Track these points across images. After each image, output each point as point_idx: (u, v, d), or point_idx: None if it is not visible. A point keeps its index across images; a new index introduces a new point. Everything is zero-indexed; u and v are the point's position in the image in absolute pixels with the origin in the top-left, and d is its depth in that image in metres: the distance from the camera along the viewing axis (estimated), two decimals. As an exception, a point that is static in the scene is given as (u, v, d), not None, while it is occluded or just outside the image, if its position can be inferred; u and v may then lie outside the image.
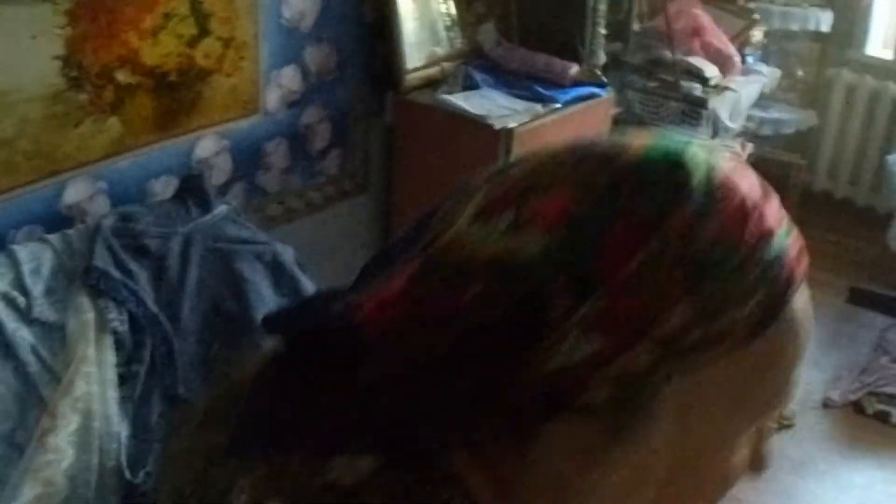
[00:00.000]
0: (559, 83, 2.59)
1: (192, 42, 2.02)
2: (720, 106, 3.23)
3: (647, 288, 0.52)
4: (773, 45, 4.14)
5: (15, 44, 1.73)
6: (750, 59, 3.82)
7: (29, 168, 1.84)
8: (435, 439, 0.59)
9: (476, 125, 2.34)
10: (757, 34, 3.82)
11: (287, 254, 1.97)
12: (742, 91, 3.40)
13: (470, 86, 2.50)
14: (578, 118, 2.56)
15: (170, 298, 1.85)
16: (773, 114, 4.16)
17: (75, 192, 1.94)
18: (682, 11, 3.45)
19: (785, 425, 2.69)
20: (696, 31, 3.42)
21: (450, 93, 2.43)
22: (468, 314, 0.54)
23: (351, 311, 0.57)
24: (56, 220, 1.91)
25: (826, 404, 2.99)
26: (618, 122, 2.87)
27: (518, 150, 2.33)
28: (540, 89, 2.52)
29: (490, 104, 2.41)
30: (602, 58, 2.77)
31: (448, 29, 2.63)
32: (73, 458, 1.67)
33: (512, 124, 2.35)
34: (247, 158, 2.28)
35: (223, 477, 0.60)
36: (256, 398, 0.62)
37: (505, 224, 0.55)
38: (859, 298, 3.60)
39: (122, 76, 1.92)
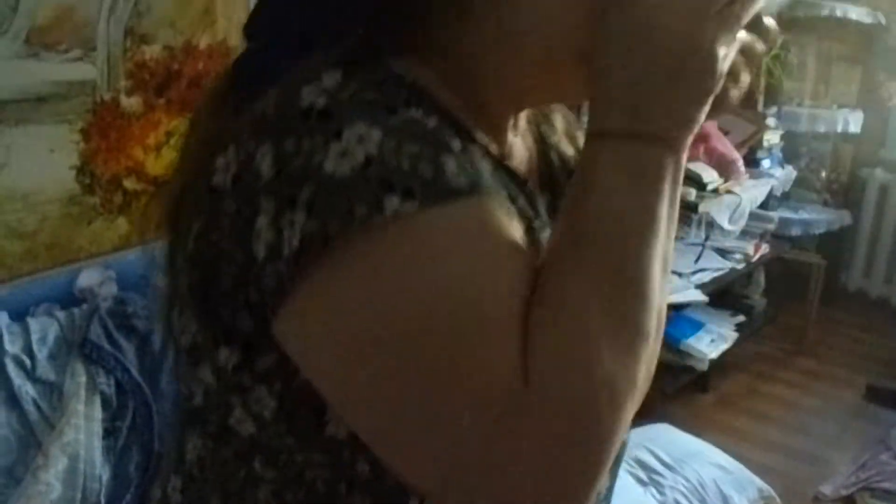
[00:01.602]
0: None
1: None
2: (717, 210, 3.50)
3: None
4: (793, 146, 4.30)
5: (37, 155, 2.15)
6: (765, 163, 4.06)
7: (48, 257, 2.24)
8: (385, 41, 0.71)
9: None
10: (773, 138, 4.04)
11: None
12: (745, 195, 3.65)
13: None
14: None
15: (152, 369, 2.25)
16: (803, 214, 4.32)
17: (87, 278, 2.32)
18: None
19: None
20: (702, 138, 3.73)
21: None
22: None
23: None
24: (70, 300, 2.29)
25: (817, 498, 3.03)
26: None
27: None
28: None
29: None
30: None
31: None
32: (60, 492, 2.08)
33: None
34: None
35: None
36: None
37: None
38: (875, 395, 3.69)
39: (129, 183, 2.34)
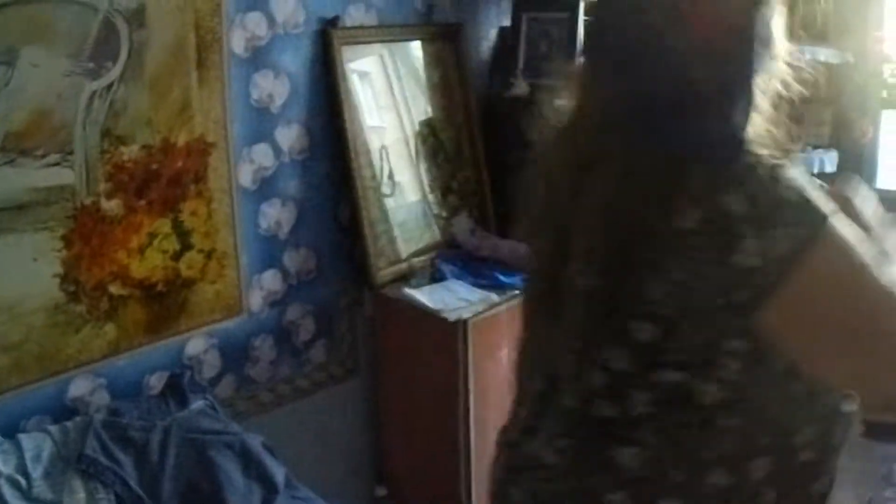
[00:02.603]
0: (524, 268, 2.92)
1: (176, 256, 2.43)
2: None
3: None
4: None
5: (20, 265, 2.13)
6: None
7: (36, 368, 2.21)
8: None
9: (434, 317, 2.65)
10: None
11: (255, 442, 2.32)
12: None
13: (438, 278, 2.85)
14: None
15: (151, 481, 2.20)
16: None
17: (78, 387, 2.31)
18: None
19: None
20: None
21: (418, 286, 2.79)
22: None
23: None
24: (62, 411, 2.27)
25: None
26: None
27: (475, 338, 2.63)
28: (500, 276, 2.83)
29: (449, 296, 2.72)
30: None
31: (426, 223, 3.05)
32: None
33: (466, 315, 2.64)
34: (234, 353, 2.65)
35: None
36: None
37: None
38: (875, 432, 3.64)
39: (114, 288, 2.32)
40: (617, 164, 1.14)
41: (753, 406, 1.12)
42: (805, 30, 4.60)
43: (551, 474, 1.23)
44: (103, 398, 2.37)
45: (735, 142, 1.11)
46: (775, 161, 1.08)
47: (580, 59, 1.32)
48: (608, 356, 1.14)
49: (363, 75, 2.89)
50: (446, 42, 3.13)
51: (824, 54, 4.57)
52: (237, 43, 2.49)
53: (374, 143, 2.88)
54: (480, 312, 2.68)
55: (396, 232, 2.93)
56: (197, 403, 2.35)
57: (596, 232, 1.15)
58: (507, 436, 1.36)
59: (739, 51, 1.12)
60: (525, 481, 1.27)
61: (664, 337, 1.10)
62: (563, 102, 1.31)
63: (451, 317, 2.64)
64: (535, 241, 1.38)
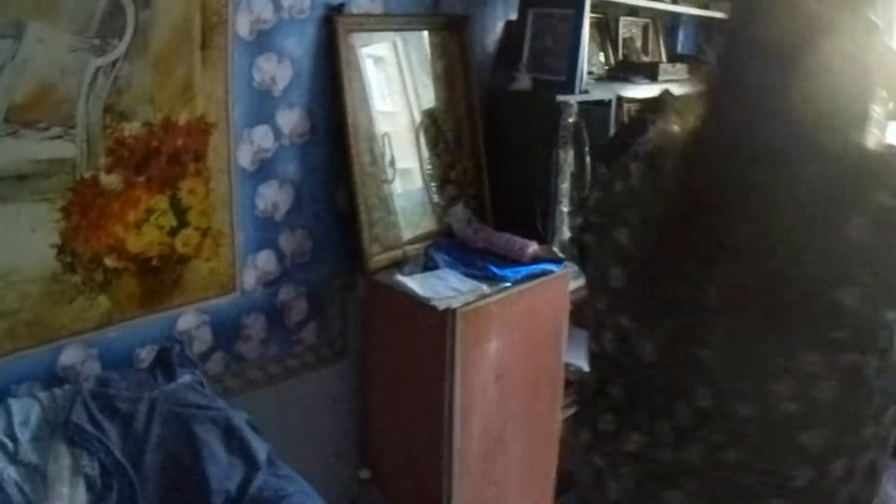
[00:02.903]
0: (518, 261, 2.97)
1: (173, 232, 2.48)
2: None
3: None
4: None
5: (17, 234, 2.18)
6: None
7: (29, 335, 2.26)
8: None
9: (424, 305, 2.69)
10: None
11: (239, 418, 2.37)
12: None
13: (431, 266, 2.90)
14: (531, 295, 2.89)
15: (135, 451, 2.25)
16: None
17: (70, 356, 2.36)
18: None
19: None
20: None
21: (411, 273, 2.83)
22: None
23: None
24: (53, 378, 2.32)
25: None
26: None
27: (463, 328, 2.68)
28: (493, 268, 2.88)
29: (440, 285, 2.76)
30: (566, 233, 3.16)
31: (424, 211, 3.11)
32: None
33: (455, 305, 2.68)
34: (226, 330, 2.70)
35: None
36: None
37: None
38: None
39: (110, 261, 2.37)
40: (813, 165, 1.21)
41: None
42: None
43: None
44: (94, 368, 2.42)
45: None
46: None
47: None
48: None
49: (377, 60, 2.94)
50: (452, 33, 3.17)
51: None
52: (242, 26, 2.54)
53: (379, 128, 2.93)
54: (470, 303, 2.72)
55: (394, 218, 2.98)
56: (184, 378, 2.41)
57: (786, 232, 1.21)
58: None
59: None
60: None
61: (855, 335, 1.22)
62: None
63: (440, 305, 2.67)
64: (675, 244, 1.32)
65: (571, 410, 3.44)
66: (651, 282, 1.33)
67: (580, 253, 1.57)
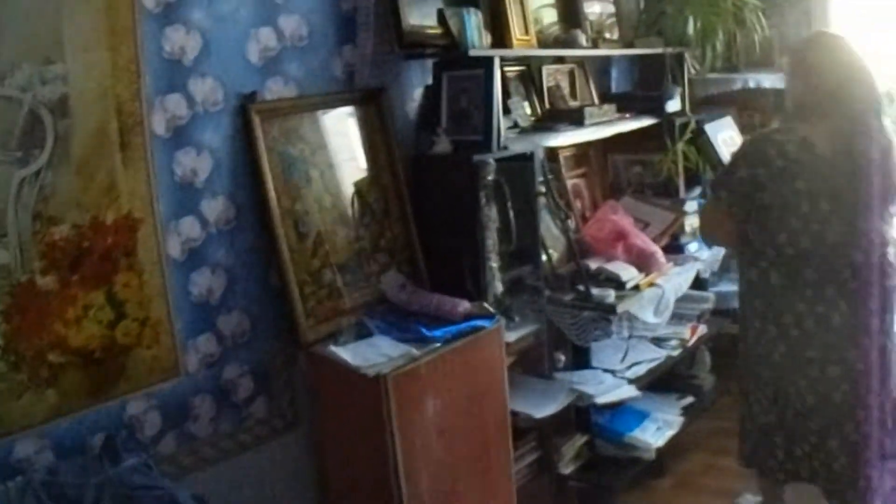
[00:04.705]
0: (451, 320, 3.16)
1: (112, 325, 2.68)
2: (638, 306, 3.78)
3: None
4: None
5: None
6: (691, 247, 4.39)
7: None
8: None
9: (357, 374, 2.88)
10: (694, 221, 4.36)
11: (184, 496, 2.56)
12: (667, 285, 3.94)
13: (365, 334, 3.09)
14: (464, 351, 3.09)
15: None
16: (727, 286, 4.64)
17: (23, 448, 2.54)
18: (604, 220, 4.10)
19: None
20: (619, 236, 4.04)
21: (344, 343, 3.03)
22: None
23: None
24: (8, 471, 2.50)
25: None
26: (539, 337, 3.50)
27: (396, 392, 2.85)
28: (424, 330, 3.06)
29: (372, 352, 2.95)
30: (498, 288, 3.39)
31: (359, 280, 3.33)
32: None
33: (385, 370, 2.84)
34: (174, 412, 2.89)
35: None
36: None
37: None
38: None
39: (53, 357, 2.56)
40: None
41: None
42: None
43: None
44: (48, 458, 2.60)
45: None
46: None
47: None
48: None
49: (297, 140, 3.17)
50: (370, 105, 3.42)
51: (768, 80, 4.97)
52: (158, 124, 2.78)
53: (303, 207, 3.17)
54: (400, 367, 2.90)
55: (327, 291, 3.21)
56: (130, 461, 2.63)
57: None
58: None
59: None
60: None
61: None
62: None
63: (370, 372, 2.85)
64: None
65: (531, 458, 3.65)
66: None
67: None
